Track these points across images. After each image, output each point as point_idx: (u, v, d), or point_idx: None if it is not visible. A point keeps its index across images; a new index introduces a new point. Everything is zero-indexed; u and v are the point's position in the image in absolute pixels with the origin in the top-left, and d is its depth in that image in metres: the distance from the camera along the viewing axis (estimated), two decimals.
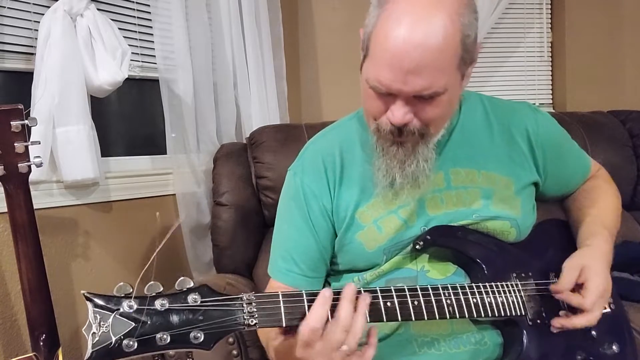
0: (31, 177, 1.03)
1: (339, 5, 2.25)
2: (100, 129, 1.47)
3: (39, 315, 1.05)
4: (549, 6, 2.44)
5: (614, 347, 0.93)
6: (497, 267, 0.90)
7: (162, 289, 0.64)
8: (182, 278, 0.66)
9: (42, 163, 1.03)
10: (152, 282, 0.64)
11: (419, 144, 0.85)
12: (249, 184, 1.61)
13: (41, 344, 1.05)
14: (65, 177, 1.36)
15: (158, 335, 0.61)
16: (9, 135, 0.98)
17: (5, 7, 1.32)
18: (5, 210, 1.03)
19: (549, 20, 2.45)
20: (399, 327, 0.90)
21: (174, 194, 1.69)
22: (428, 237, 0.89)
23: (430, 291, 0.80)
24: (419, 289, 0.80)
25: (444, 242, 0.90)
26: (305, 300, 0.71)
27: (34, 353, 1.05)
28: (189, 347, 0.63)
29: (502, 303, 0.85)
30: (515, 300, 0.87)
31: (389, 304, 0.76)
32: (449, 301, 0.81)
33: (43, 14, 1.33)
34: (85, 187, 1.44)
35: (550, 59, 2.47)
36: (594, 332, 0.92)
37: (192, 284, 0.66)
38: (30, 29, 1.37)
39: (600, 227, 0.97)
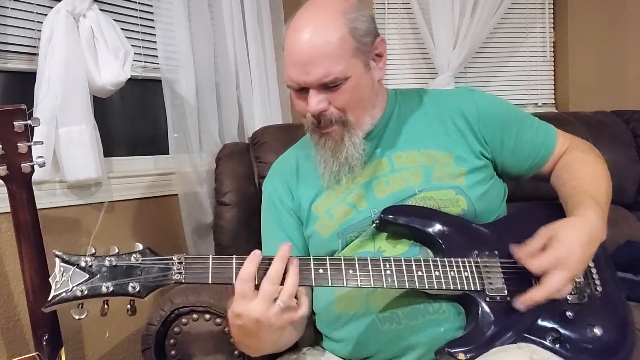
0: (34, 177, 1.03)
1: None
2: (102, 129, 1.48)
3: (41, 314, 1.05)
4: (552, 6, 2.43)
5: (595, 330, 0.90)
6: (456, 243, 0.92)
7: (117, 251, 0.81)
8: (135, 244, 0.82)
9: (45, 163, 1.04)
10: (111, 247, 0.81)
11: (345, 133, 0.97)
12: (251, 183, 1.61)
13: (44, 343, 1.05)
14: (68, 177, 1.36)
15: (104, 284, 0.78)
16: (12, 135, 0.98)
17: (8, 7, 1.32)
18: (8, 210, 1.03)
19: (552, 20, 2.44)
20: (360, 306, 0.95)
21: (177, 194, 1.69)
22: (382, 215, 0.94)
23: (370, 262, 0.86)
24: (356, 260, 0.85)
25: (398, 219, 0.95)
26: (234, 262, 0.81)
27: (37, 352, 1.05)
28: (128, 295, 0.78)
29: (453, 277, 0.87)
30: (470, 275, 0.89)
31: (320, 270, 0.83)
32: (388, 272, 0.85)
33: (46, 15, 1.34)
34: (87, 187, 1.44)
35: (553, 59, 2.46)
36: (569, 313, 0.90)
37: (139, 248, 0.81)
38: (33, 30, 1.37)
39: (583, 196, 0.94)
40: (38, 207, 1.05)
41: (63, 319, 1.10)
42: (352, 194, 1.01)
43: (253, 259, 0.80)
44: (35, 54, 1.36)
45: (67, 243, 1.41)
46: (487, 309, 0.87)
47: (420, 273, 0.87)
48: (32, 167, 1.02)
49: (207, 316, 1.16)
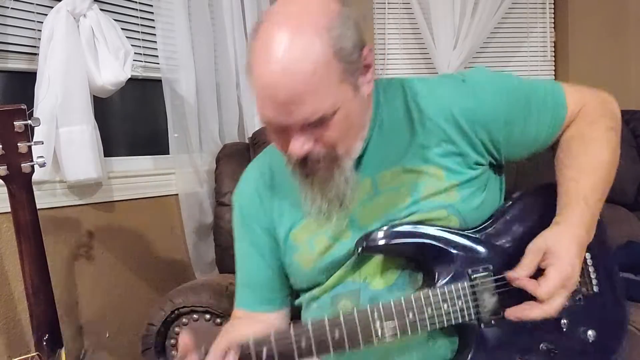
0: (34, 177, 1.03)
1: None
2: (103, 129, 1.48)
3: (42, 315, 1.05)
4: (552, 6, 2.43)
5: (589, 333, 0.87)
6: (447, 266, 0.84)
7: None
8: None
9: (45, 163, 1.03)
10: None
11: (334, 168, 0.81)
12: None
13: (44, 343, 1.05)
14: (68, 177, 1.36)
15: None
16: (12, 135, 0.98)
17: (8, 7, 1.32)
18: (9, 210, 1.03)
19: (552, 20, 2.44)
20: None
21: (177, 194, 1.69)
22: (364, 245, 0.84)
23: (356, 316, 0.77)
24: (342, 322, 0.76)
25: (380, 246, 0.84)
26: None
27: (37, 353, 1.05)
28: None
29: (447, 312, 0.81)
30: (464, 305, 0.82)
31: (303, 344, 0.75)
32: (377, 323, 0.77)
33: (46, 15, 1.33)
34: (88, 187, 1.44)
35: (554, 59, 2.46)
36: (564, 321, 0.86)
37: None
38: (34, 30, 1.37)
39: (574, 196, 0.85)
40: (38, 207, 1.04)
41: (63, 319, 1.11)
42: (333, 225, 0.87)
43: None
44: (35, 54, 1.36)
45: (67, 243, 1.41)
46: (483, 335, 0.83)
47: (412, 316, 0.79)
48: (32, 167, 1.02)
49: (208, 316, 1.16)
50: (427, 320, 0.80)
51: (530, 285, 0.80)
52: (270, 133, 0.81)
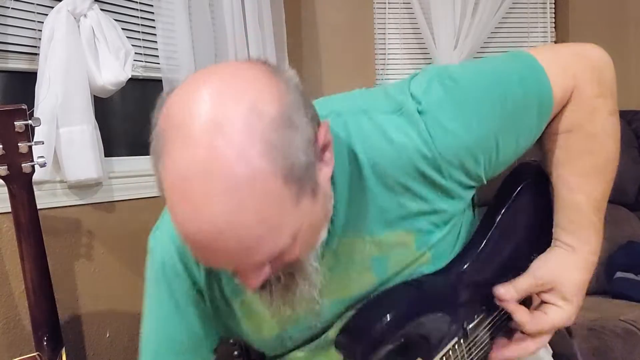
0: (35, 177, 1.03)
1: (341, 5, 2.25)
2: (103, 129, 1.47)
3: (42, 314, 1.05)
4: (553, 6, 2.43)
5: None
6: (441, 333, 0.71)
7: None
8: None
9: (45, 163, 1.04)
10: None
11: (295, 276, 0.62)
12: None
13: (44, 343, 1.05)
14: (68, 177, 1.36)
15: None
16: (12, 135, 0.98)
17: (9, 7, 1.32)
18: (9, 210, 1.03)
19: (553, 20, 2.44)
20: None
21: None
22: (343, 353, 0.69)
23: None
24: None
25: (365, 352, 0.67)
26: None
27: (38, 352, 1.05)
28: None
29: None
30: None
31: None
32: None
33: (47, 15, 1.33)
34: (88, 187, 1.44)
35: None
36: None
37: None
38: (34, 29, 1.37)
39: (587, 214, 0.73)
40: (38, 207, 1.05)
41: (64, 318, 1.11)
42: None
43: None
44: (36, 54, 1.35)
45: (68, 243, 1.41)
46: None
47: None
48: (33, 167, 1.02)
49: None
50: None
51: (520, 315, 0.71)
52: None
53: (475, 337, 0.74)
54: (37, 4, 1.38)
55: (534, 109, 0.69)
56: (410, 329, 0.68)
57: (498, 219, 0.76)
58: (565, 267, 0.72)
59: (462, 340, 0.72)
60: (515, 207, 0.77)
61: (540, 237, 0.77)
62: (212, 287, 0.72)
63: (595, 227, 0.74)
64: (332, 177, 0.62)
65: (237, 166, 0.48)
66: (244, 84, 0.51)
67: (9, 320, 1.27)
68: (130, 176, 1.59)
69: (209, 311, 0.74)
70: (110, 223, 1.52)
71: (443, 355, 0.70)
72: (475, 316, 0.73)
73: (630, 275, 1.53)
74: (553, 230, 0.76)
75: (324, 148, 0.57)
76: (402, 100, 0.65)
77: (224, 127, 0.48)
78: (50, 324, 1.06)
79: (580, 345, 1.38)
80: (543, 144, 0.75)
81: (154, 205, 1.66)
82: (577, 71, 0.71)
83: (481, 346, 0.74)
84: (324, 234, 0.64)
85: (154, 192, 1.81)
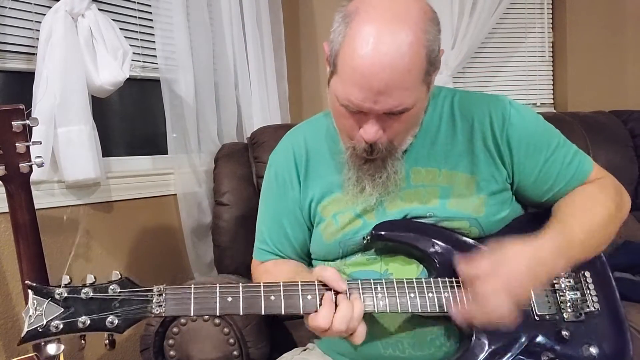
0: (32, 177, 1.03)
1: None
2: (101, 129, 1.47)
3: None
4: (550, 6, 2.44)
5: (591, 350, 0.88)
6: (450, 261, 0.87)
7: (94, 280, 0.77)
8: (114, 272, 0.77)
9: (43, 163, 1.03)
10: (87, 275, 0.77)
11: (388, 158, 0.88)
12: (250, 183, 1.61)
13: (42, 344, 1.05)
14: (66, 177, 1.36)
15: (80, 319, 0.74)
16: (10, 135, 0.98)
17: (6, 7, 1.32)
18: (7, 210, 1.03)
19: (550, 20, 2.45)
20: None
21: (175, 194, 1.69)
22: (374, 231, 0.89)
23: (360, 285, 0.82)
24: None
25: (391, 236, 0.90)
26: (217, 292, 0.77)
27: (35, 353, 1.04)
28: (105, 330, 0.75)
29: (447, 298, 0.82)
30: (465, 296, 0.83)
31: (309, 296, 0.80)
32: (379, 295, 0.82)
33: (44, 14, 1.33)
34: (86, 187, 1.44)
35: (552, 59, 2.46)
36: (565, 333, 0.87)
37: (118, 277, 0.77)
38: (32, 29, 1.37)
39: (556, 230, 0.87)
40: (36, 207, 1.04)
41: None
42: (363, 204, 0.93)
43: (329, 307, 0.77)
44: (33, 54, 1.35)
45: (66, 243, 1.41)
46: (480, 330, 0.84)
47: (412, 295, 0.82)
48: (31, 167, 1.02)
49: (206, 317, 1.15)
50: (428, 301, 0.83)
51: (464, 268, 0.83)
52: (340, 116, 0.87)
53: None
54: (35, 4, 1.38)
55: (571, 166, 0.95)
56: (428, 243, 0.89)
57: (521, 217, 0.99)
58: (507, 245, 0.83)
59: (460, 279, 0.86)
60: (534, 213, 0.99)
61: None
62: (306, 194, 1.00)
63: (553, 231, 0.86)
64: (428, 109, 0.94)
65: (407, 31, 0.77)
66: None
67: (7, 321, 1.27)
68: (128, 176, 1.59)
69: (302, 219, 1.02)
70: (108, 223, 1.52)
71: (446, 284, 0.85)
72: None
73: (628, 276, 1.54)
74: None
75: (435, 70, 0.84)
76: (497, 95, 0.98)
77: (407, 8, 0.79)
78: None
79: None
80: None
81: (151, 206, 1.66)
82: (609, 176, 0.99)
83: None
84: (410, 140, 0.91)
85: (151, 192, 1.82)
